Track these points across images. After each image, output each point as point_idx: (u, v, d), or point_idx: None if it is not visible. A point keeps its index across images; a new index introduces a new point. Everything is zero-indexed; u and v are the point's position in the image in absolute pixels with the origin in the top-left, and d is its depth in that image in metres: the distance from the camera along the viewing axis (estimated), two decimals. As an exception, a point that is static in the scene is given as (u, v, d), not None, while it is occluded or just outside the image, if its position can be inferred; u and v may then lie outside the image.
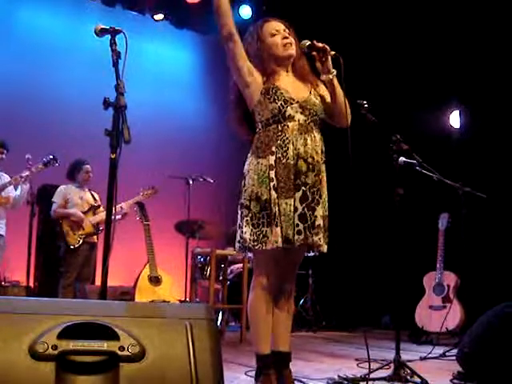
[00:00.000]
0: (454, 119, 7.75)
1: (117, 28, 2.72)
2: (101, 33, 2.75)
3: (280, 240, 2.91)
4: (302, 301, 7.86)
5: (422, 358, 4.69)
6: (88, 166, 6.38)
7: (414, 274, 6.24)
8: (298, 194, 2.96)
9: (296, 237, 2.93)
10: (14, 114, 7.50)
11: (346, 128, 3.18)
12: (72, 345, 1.85)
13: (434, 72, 7.52)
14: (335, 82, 3.09)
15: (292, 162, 2.97)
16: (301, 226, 2.93)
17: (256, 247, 2.96)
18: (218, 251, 6.07)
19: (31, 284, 6.86)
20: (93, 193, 6.47)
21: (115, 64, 2.63)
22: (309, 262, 7.71)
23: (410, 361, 4.05)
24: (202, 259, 6.37)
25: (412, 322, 6.26)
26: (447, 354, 4.80)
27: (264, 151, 3.02)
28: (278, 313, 3.13)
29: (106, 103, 2.54)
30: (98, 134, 2.64)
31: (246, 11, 8.65)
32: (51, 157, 6.03)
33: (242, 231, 3.00)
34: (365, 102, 3.71)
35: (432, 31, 7.44)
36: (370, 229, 7.89)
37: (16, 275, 7.05)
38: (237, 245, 3.06)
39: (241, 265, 6.51)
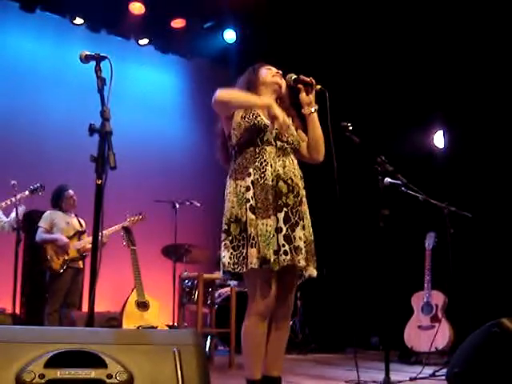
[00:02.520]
0: (438, 139, 7.81)
1: (102, 54, 2.74)
2: (86, 59, 2.76)
3: (255, 261, 2.89)
4: (290, 323, 7.82)
5: (412, 379, 4.66)
6: (70, 192, 6.35)
7: (402, 294, 6.24)
8: (281, 215, 2.97)
9: (283, 257, 2.91)
10: (-1, 140, 7.49)
11: (319, 163, 3.23)
12: (59, 373, 1.83)
13: (417, 92, 7.60)
14: (315, 116, 3.16)
15: (271, 183, 3.00)
16: (287, 247, 2.93)
17: (236, 270, 2.95)
18: (206, 275, 6.04)
19: (17, 311, 6.77)
20: (80, 219, 6.45)
21: (100, 90, 2.64)
22: (297, 285, 7.69)
23: (399, 381, 4.05)
24: (189, 283, 6.33)
25: (401, 343, 6.25)
26: (437, 373, 4.79)
27: (242, 173, 3.05)
28: (271, 337, 3.11)
29: (92, 129, 2.54)
30: (84, 160, 2.63)
31: (229, 35, 8.72)
32: (38, 184, 6.02)
33: (222, 256, 3.01)
34: (349, 124, 3.74)
35: (415, 53, 7.53)
36: (357, 250, 7.90)
37: (2, 302, 6.97)
38: (220, 272, 3.06)
39: (229, 288, 6.48)
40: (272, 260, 2.90)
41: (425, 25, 7.33)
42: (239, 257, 2.94)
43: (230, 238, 2.98)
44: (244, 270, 2.93)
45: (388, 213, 3.68)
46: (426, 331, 6.12)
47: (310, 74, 3.19)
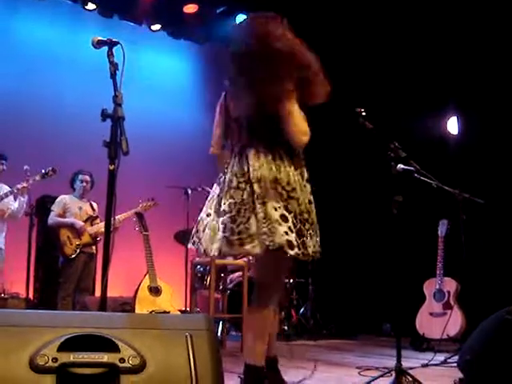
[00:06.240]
0: (452, 125, 7.75)
1: (114, 40, 2.73)
2: (98, 44, 2.75)
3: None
4: (302, 309, 7.85)
5: (424, 366, 4.67)
6: (85, 176, 6.39)
7: (415, 281, 6.24)
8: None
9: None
10: (13, 125, 7.51)
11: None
12: (72, 357, 1.85)
13: (431, 78, 7.54)
14: None
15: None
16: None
17: None
18: (218, 260, 6.05)
19: (31, 296, 6.84)
20: (92, 203, 6.48)
21: (113, 75, 2.64)
22: (308, 271, 7.71)
23: (411, 368, 4.04)
24: (201, 269, 6.35)
25: (413, 329, 6.24)
26: (448, 360, 4.79)
27: None
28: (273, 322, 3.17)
29: (104, 114, 2.54)
30: (97, 145, 2.64)
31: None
32: (50, 168, 6.03)
33: None
34: (362, 110, 3.71)
35: (429, 38, 7.46)
36: (369, 237, 7.90)
37: (15, 287, 7.03)
38: None
39: (240, 273, 6.50)
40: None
41: (439, 9, 7.26)
42: None
43: None
44: None
45: (401, 199, 3.65)
46: (438, 318, 6.12)
47: (323, 59, 3.13)
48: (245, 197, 2.92)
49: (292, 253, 2.84)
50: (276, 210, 2.87)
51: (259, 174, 2.92)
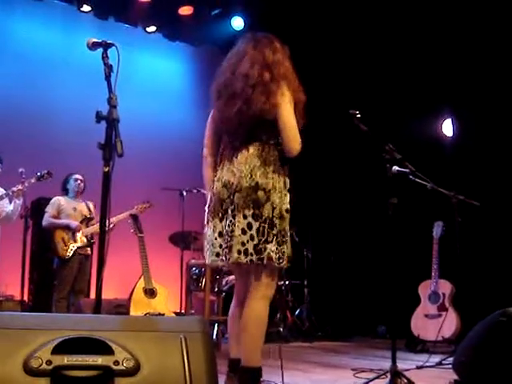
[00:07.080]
0: (447, 127, 7.77)
1: (109, 41, 2.72)
2: (93, 46, 2.74)
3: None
4: (297, 311, 7.85)
5: (419, 367, 4.68)
6: (77, 176, 6.39)
7: (410, 283, 6.24)
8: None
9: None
10: (7, 127, 7.50)
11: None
12: (66, 360, 1.84)
13: (426, 80, 7.56)
14: None
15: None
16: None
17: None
18: (213, 263, 6.04)
19: (25, 298, 6.83)
20: (88, 203, 6.46)
21: (107, 77, 2.63)
22: (304, 273, 7.72)
23: (406, 370, 4.04)
24: (196, 271, 6.34)
25: (408, 331, 6.25)
26: (444, 362, 4.79)
27: None
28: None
29: (99, 116, 2.53)
30: (91, 147, 2.63)
31: (237, 23, 8.68)
32: (45, 171, 6.01)
33: None
34: (357, 112, 3.71)
35: (424, 40, 7.48)
36: (364, 239, 7.91)
37: (10, 289, 7.01)
38: None
39: (236, 276, 6.49)
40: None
41: (433, 12, 7.28)
42: None
43: None
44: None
45: (396, 201, 3.66)
46: (433, 320, 6.12)
47: (319, 61, 3.15)
48: (230, 209, 3.08)
49: (245, 260, 2.99)
50: (241, 221, 3.00)
51: (243, 183, 3.02)
